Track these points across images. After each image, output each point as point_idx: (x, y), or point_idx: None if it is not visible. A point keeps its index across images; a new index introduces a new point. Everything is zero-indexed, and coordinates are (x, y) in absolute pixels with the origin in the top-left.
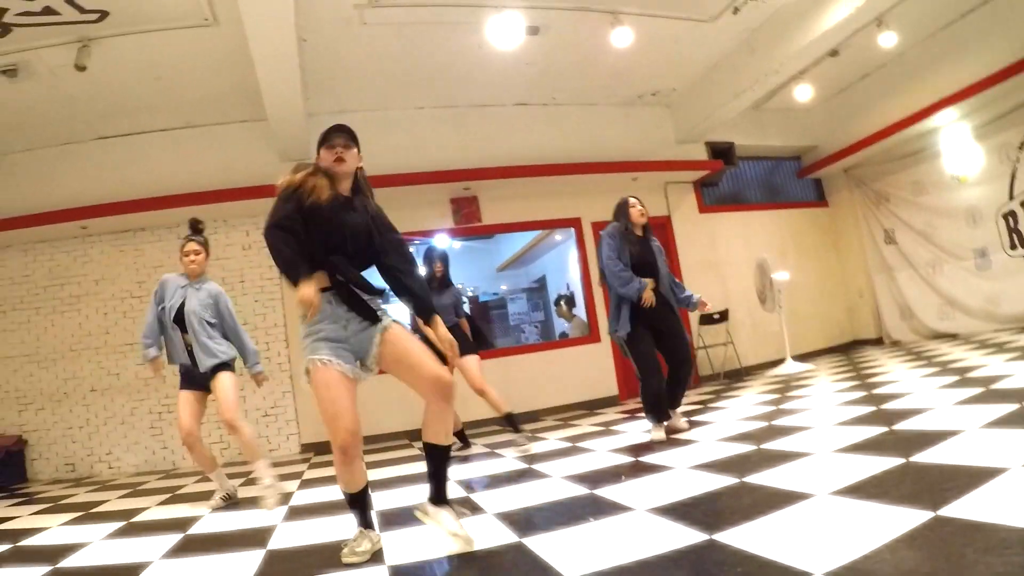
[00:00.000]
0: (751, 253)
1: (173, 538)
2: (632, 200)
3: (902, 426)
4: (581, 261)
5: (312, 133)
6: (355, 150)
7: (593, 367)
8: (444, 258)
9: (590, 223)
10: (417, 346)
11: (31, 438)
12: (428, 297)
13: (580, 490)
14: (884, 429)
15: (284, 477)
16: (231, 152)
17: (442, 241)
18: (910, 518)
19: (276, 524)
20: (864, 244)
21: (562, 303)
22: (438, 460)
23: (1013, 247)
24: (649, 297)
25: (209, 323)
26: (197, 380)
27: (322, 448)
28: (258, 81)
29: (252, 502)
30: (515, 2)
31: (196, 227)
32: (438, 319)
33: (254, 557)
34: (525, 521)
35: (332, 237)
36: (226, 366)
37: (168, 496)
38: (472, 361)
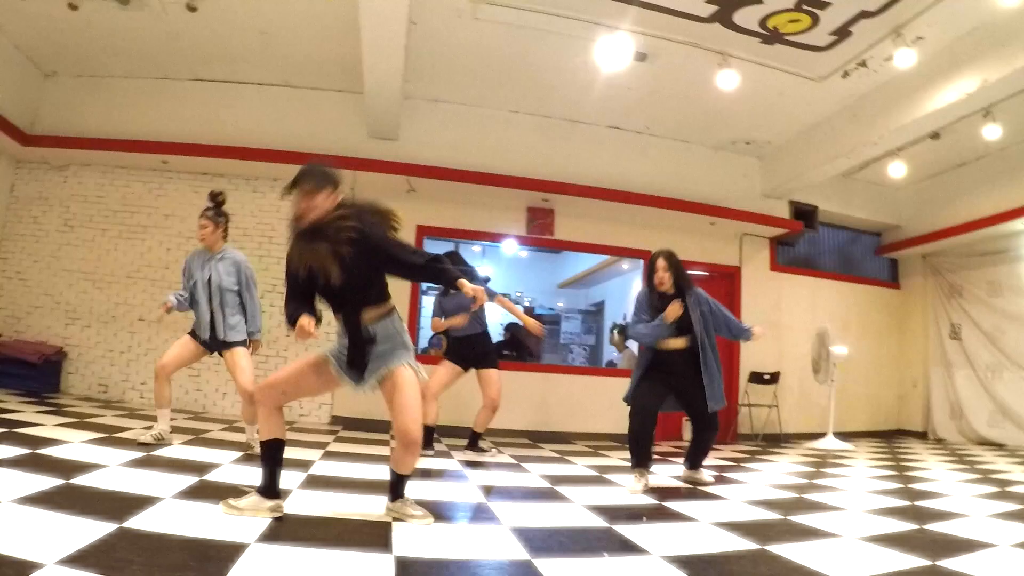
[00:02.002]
0: (813, 320)
1: (188, 479)
2: (658, 263)
3: (934, 527)
4: None
5: (406, 115)
6: (320, 195)
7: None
8: (459, 259)
9: None
10: (407, 391)
11: (72, 352)
12: (446, 274)
13: (599, 522)
14: (915, 526)
15: (309, 446)
16: (321, 119)
17: (509, 248)
18: None
19: (292, 489)
20: (928, 334)
21: (615, 332)
22: (396, 480)
23: None
24: (673, 312)
25: (232, 292)
26: (207, 344)
27: (352, 423)
28: (362, 54)
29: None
30: (629, 25)
31: (215, 198)
32: (463, 282)
33: (264, 517)
34: (539, 541)
35: (326, 293)
36: (242, 343)
37: (192, 438)
38: (494, 375)
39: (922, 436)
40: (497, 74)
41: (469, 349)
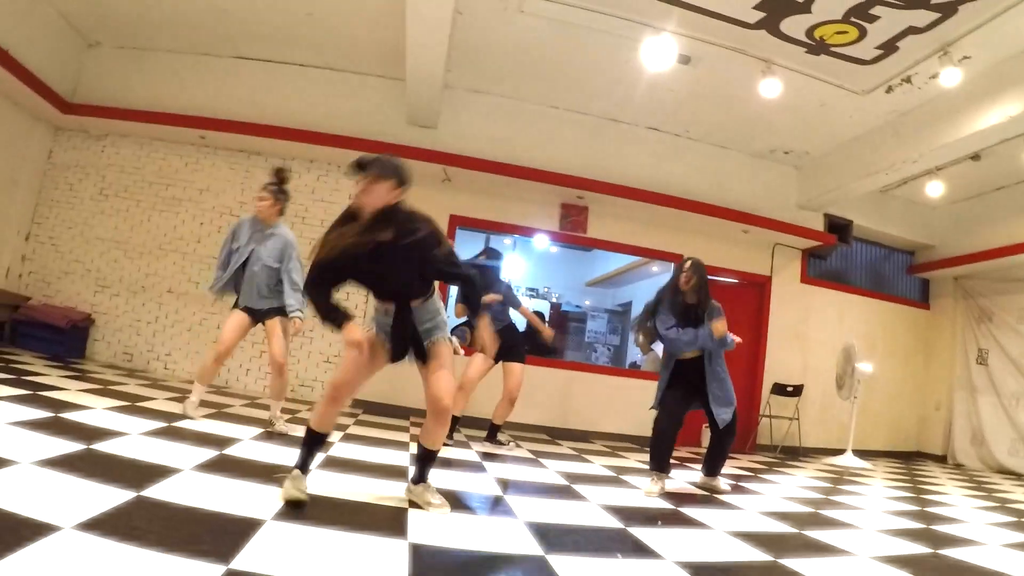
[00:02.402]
0: (840, 335)
1: (208, 453)
2: (686, 265)
3: (948, 552)
4: None
5: (446, 104)
6: (386, 186)
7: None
8: (493, 254)
9: None
10: (441, 360)
11: (99, 319)
12: (477, 304)
13: (614, 523)
14: (929, 550)
15: None
16: (361, 103)
17: (541, 243)
18: None
19: (311, 470)
20: (955, 357)
21: (640, 334)
22: (424, 459)
23: None
24: (719, 329)
25: (271, 268)
26: (249, 311)
27: (373, 407)
28: (406, 41)
29: (292, 440)
30: (675, 27)
31: (279, 175)
32: (484, 319)
33: (279, 494)
34: (553, 537)
35: (373, 281)
36: (281, 311)
37: (214, 412)
38: (518, 368)
39: (941, 460)
40: (539, 69)
41: (500, 339)
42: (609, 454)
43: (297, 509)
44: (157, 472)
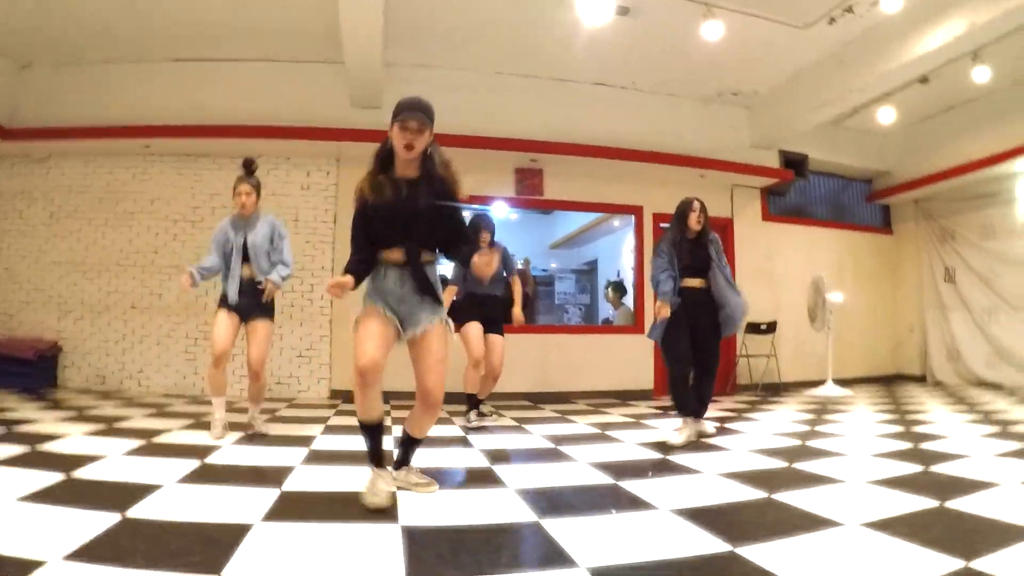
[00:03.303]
0: (807, 269)
1: (190, 464)
2: (695, 205)
3: (939, 468)
4: (637, 250)
5: (389, 83)
6: (428, 132)
7: (632, 358)
8: (489, 223)
9: (651, 213)
10: (437, 353)
11: (66, 345)
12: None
13: (605, 479)
14: (920, 468)
15: (309, 421)
16: (303, 91)
17: (500, 211)
18: (940, 564)
19: (294, 466)
20: (922, 279)
21: (610, 290)
22: (408, 443)
23: None
24: (662, 311)
25: (267, 251)
26: (237, 308)
27: (351, 396)
28: (340, 23)
29: (274, 440)
30: None
31: (250, 167)
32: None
33: (267, 495)
34: (546, 502)
35: (396, 227)
36: (268, 313)
37: (192, 422)
38: (499, 342)
39: (920, 380)
40: (479, 35)
41: (483, 308)
42: (592, 412)
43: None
44: (140, 491)
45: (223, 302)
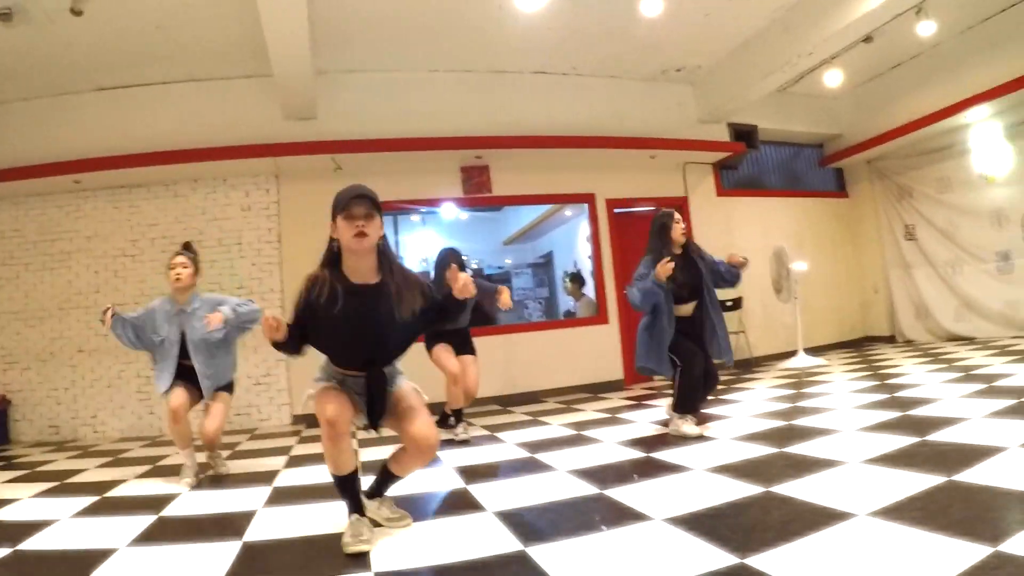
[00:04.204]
0: (767, 240)
1: (145, 520)
2: (676, 216)
3: (936, 437)
4: (593, 237)
5: (322, 91)
6: (378, 219)
7: (599, 349)
8: (460, 261)
9: (604, 199)
10: (417, 403)
11: (15, 398)
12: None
13: (589, 488)
14: (916, 439)
15: (272, 453)
16: (234, 108)
17: (448, 213)
18: (967, 553)
19: (256, 509)
20: (883, 238)
21: (568, 281)
22: (387, 478)
23: None
24: (664, 270)
25: (216, 343)
26: (192, 381)
27: (314, 421)
28: (264, 34)
29: (234, 480)
30: None
31: (189, 247)
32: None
33: (228, 550)
34: (529, 525)
35: (358, 347)
36: (230, 387)
37: (148, 468)
38: (474, 363)
39: (890, 340)
40: (410, 33)
41: (453, 338)
42: (564, 410)
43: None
44: (90, 560)
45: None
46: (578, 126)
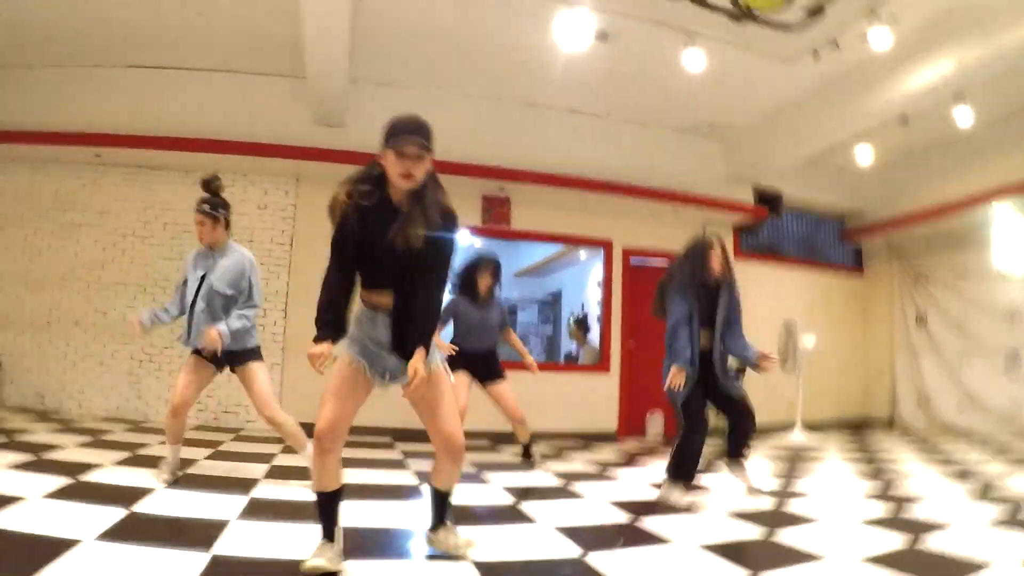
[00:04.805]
0: (778, 309)
1: (115, 513)
2: (715, 243)
3: (931, 544)
4: (605, 284)
5: (353, 100)
6: (428, 158)
7: (596, 398)
8: (497, 269)
9: (621, 247)
10: (446, 396)
11: (6, 362)
12: (427, 332)
13: (573, 548)
14: (909, 539)
15: (254, 459)
16: (263, 105)
17: (465, 238)
18: None
19: (229, 520)
20: (894, 321)
21: (573, 324)
22: (440, 500)
23: None
24: (676, 379)
25: (223, 296)
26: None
27: (304, 429)
28: (304, 34)
29: (211, 483)
30: (590, 1)
31: (209, 187)
32: (421, 353)
33: (196, 561)
34: None
35: (386, 266)
36: (254, 354)
37: (128, 455)
38: (508, 388)
39: (889, 423)
40: (449, 54)
41: (478, 363)
42: (555, 457)
43: None
44: (54, 548)
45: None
46: (605, 170)
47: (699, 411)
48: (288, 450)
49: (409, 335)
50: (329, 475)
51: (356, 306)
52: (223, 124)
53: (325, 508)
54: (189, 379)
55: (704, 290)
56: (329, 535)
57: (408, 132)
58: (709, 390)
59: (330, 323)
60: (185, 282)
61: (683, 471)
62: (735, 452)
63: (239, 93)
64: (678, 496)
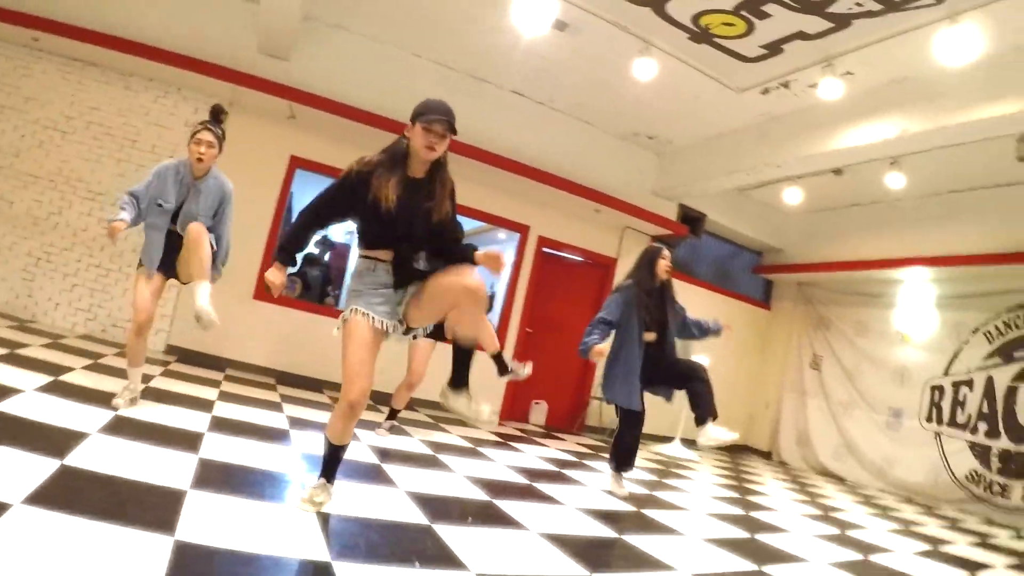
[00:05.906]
0: None
1: (104, 414)
2: (666, 253)
3: (763, 537)
4: (514, 268)
5: (303, 36)
6: (448, 140)
7: (484, 380)
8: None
9: (537, 235)
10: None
11: None
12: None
13: (421, 518)
14: (747, 535)
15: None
16: (211, 22)
17: None
18: None
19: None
20: (789, 360)
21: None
22: (466, 359)
23: (929, 420)
24: (597, 354)
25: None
26: (164, 263)
27: (187, 355)
28: None
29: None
30: None
31: (218, 116)
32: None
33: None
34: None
35: (395, 228)
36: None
37: (5, 352)
38: (427, 346)
39: (766, 456)
40: (408, 13)
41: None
42: (431, 427)
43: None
44: (68, 437)
45: (144, 261)
46: (537, 157)
47: (641, 414)
48: (169, 374)
49: (456, 253)
50: (349, 433)
51: (354, 263)
52: (168, 35)
53: (336, 457)
54: (149, 295)
55: (650, 296)
56: (331, 478)
57: (438, 113)
58: (663, 375)
59: (291, 252)
60: (160, 204)
61: (622, 462)
62: (705, 416)
63: (188, 5)
64: (616, 486)
